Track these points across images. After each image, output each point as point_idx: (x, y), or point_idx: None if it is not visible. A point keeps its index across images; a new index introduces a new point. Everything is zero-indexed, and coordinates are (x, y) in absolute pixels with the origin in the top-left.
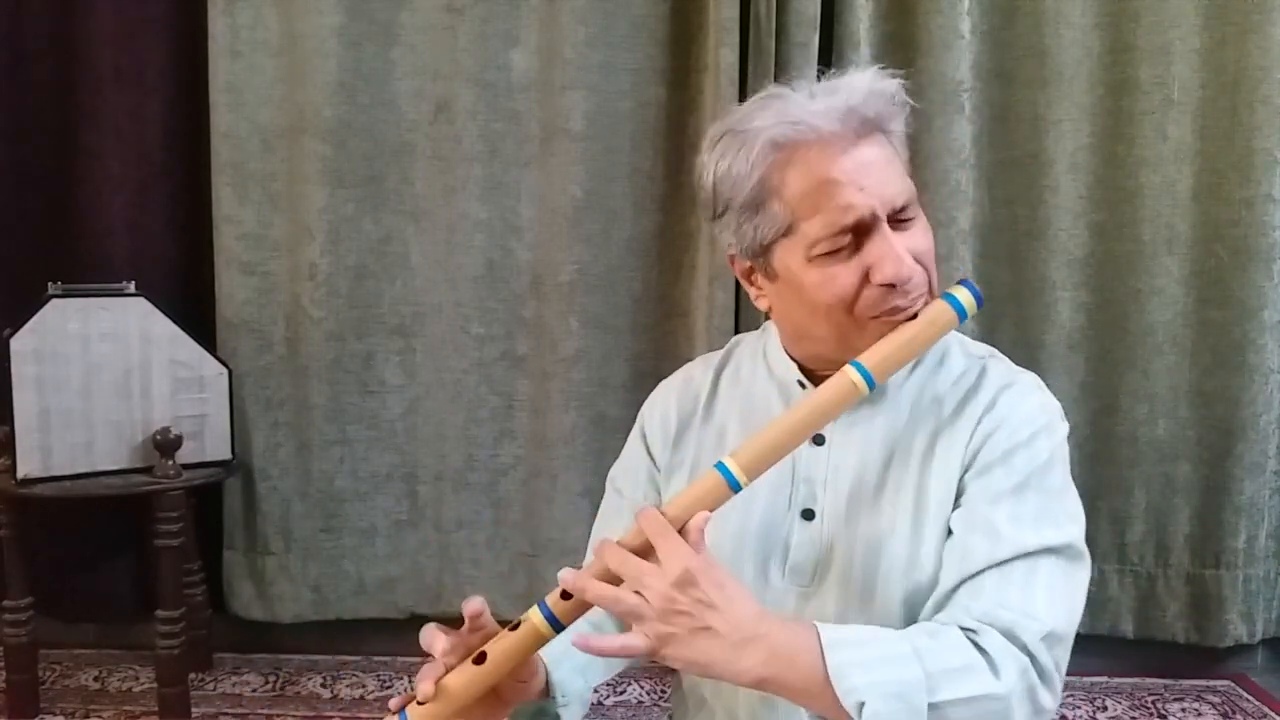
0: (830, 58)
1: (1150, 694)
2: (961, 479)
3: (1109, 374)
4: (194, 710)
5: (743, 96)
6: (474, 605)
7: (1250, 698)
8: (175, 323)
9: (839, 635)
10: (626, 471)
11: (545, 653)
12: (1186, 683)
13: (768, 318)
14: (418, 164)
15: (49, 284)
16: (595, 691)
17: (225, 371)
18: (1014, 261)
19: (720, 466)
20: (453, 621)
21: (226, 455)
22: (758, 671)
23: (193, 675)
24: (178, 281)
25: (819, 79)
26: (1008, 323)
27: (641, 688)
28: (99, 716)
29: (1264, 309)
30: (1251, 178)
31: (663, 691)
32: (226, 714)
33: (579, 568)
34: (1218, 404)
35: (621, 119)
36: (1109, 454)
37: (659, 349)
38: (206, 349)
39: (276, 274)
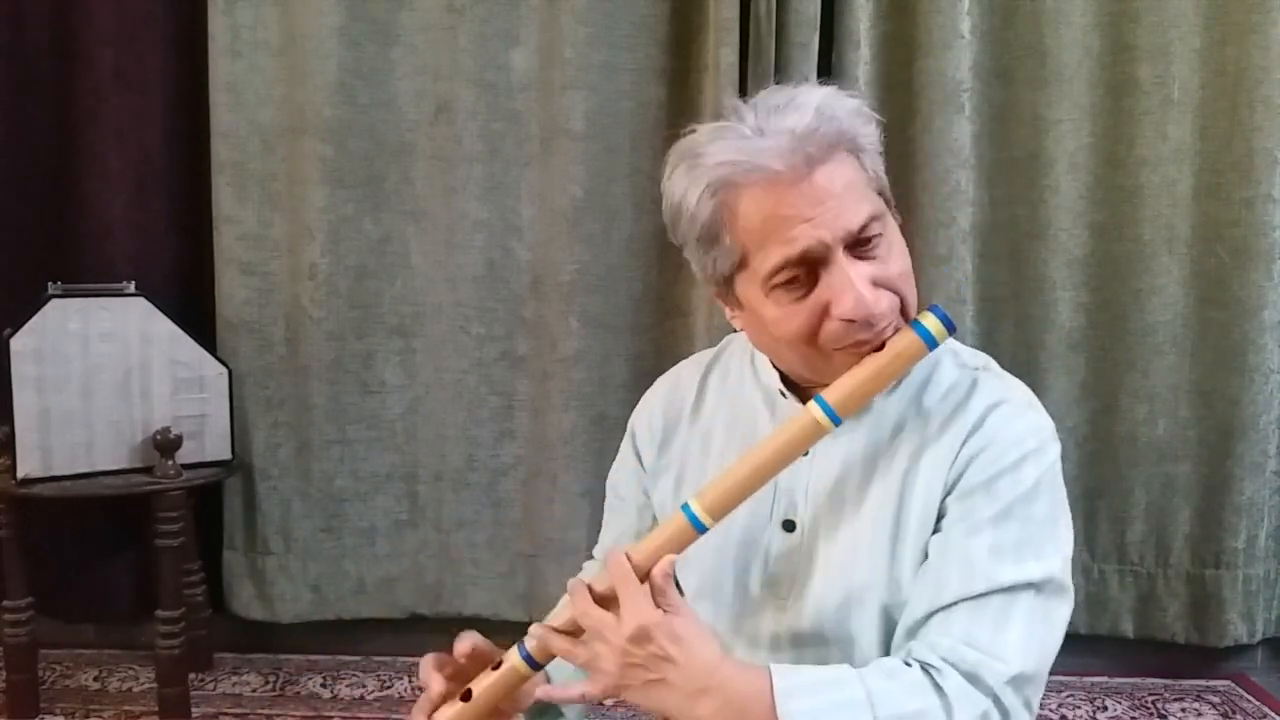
0: (830, 58)
1: (1150, 694)
2: (943, 501)
3: (1109, 374)
4: (194, 710)
5: (743, 96)
6: (464, 645)
7: (1250, 698)
8: (175, 323)
9: (792, 682)
10: (622, 474)
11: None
12: (1186, 683)
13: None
14: (418, 164)
15: (49, 284)
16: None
17: (225, 371)
18: (1014, 261)
19: (685, 509)
20: (453, 621)
21: (226, 455)
22: None
23: (193, 675)
24: (178, 281)
25: (800, 82)
26: (1008, 323)
27: None
28: (99, 716)
29: (1264, 309)
30: (1251, 178)
31: None
32: (226, 714)
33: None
34: (1218, 404)
35: (621, 119)
36: (1109, 454)
37: (659, 349)
38: (206, 349)
39: (276, 274)
